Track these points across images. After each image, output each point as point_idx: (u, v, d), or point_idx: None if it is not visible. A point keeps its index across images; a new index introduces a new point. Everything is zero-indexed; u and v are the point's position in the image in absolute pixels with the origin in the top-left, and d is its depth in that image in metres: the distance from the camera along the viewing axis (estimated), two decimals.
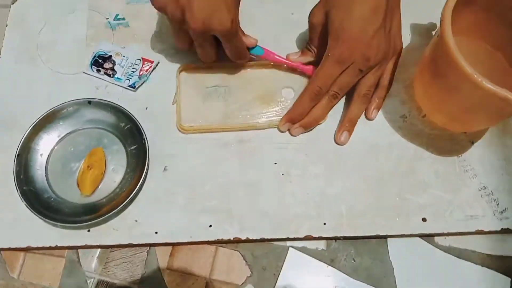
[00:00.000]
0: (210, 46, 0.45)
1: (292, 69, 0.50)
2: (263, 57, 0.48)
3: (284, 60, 0.48)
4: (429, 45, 0.44)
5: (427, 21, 0.53)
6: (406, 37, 0.53)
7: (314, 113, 0.46)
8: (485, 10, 0.44)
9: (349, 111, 0.48)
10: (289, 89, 0.49)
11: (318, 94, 0.45)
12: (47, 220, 0.42)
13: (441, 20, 0.38)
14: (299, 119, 0.47)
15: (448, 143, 0.48)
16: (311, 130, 0.48)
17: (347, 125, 0.47)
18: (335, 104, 0.48)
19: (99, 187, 0.45)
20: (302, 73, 0.50)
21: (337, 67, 0.44)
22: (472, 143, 0.48)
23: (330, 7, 0.43)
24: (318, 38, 0.47)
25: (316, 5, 0.46)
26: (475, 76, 0.36)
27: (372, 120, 0.49)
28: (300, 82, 0.49)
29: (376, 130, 0.48)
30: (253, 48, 0.47)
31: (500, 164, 0.47)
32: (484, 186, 0.47)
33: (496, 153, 0.48)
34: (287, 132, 0.48)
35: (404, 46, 0.51)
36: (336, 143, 0.48)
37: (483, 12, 0.44)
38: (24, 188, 0.43)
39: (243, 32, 0.47)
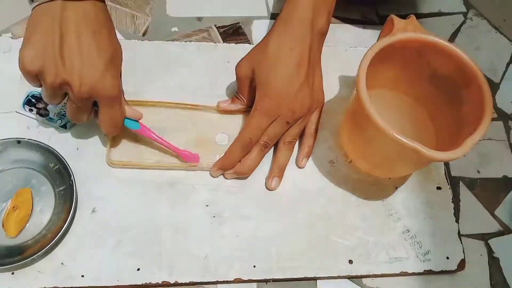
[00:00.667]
0: (87, 110, 0.47)
1: (227, 113, 0.56)
2: (138, 132, 0.51)
3: (160, 140, 0.51)
4: (351, 98, 0.53)
5: (354, 73, 0.62)
6: (335, 88, 0.61)
7: (246, 162, 0.52)
8: (403, 67, 0.53)
9: (277, 158, 0.54)
10: (224, 134, 0.56)
11: (248, 144, 0.51)
12: None
13: (357, 77, 0.47)
14: (230, 167, 0.52)
15: (373, 187, 0.55)
16: (245, 178, 0.54)
17: (276, 171, 0.54)
18: (266, 153, 0.54)
19: (25, 228, 0.48)
20: (234, 119, 0.56)
21: (265, 119, 0.51)
22: (396, 188, 0.56)
23: (256, 63, 0.51)
24: (247, 89, 0.54)
25: (242, 59, 0.53)
26: (387, 129, 0.43)
27: (303, 168, 0.56)
28: (234, 128, 0.55)
29: (305, 174, 0.55)
30: (129, 120, 0.50)
31: (422, 208, 0.55)
32: (407, 229, 0.54)
33: (418, 198, 0.56)
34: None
35: (332, 96, 0.60)
36: (268, 189, 0.54)
37: (401, 69, 0.53)
38: None
39: (127, 102, 0.50)
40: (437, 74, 0.52)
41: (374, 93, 0.49)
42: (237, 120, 0.57)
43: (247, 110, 0.55)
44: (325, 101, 0.59)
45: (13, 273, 0.46)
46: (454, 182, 0.59)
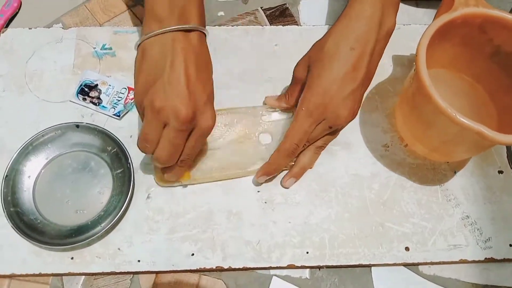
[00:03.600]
0: (181, 144, 0.45)
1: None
2: None
3: None
4: (407, 78, 0.51)
5: (409, 52, 0.60)
6: (388, 68, 0.59)
7: (303, 162, 0.52)
8: (462, 45, 0.51)
9: (301, 159, 0.52)
10: (267, 134, 0.55)
11: (294, 151, 0.49)
12: (32, 241, 0.47)
13: (416, 56, 0.45)
14: (274, 173, 0.51)
15: (430, 172, 0.54)
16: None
17: (296, 171, 0.52)
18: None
19: (84, 209, 0.50)
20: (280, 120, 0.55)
21: (310, 121, 0.48)
22: (455, 172, 0.54)
23: (312, 61, 0.49)
24: (298, 90, 0.52)
25: (302, 57, 0.51)
26: (449, 111, 0.42)
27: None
28: (278, 128, 0.55)
29: (358, 159, 0.54)
30: None
31: (482, 194, 0.53)
32: (467, 215, 0.52)
33: (478, 183, 0.54)
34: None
35: (385, 77, 0.58)
36: (282, 186, 0.53)
37: (460, 47, 0.51)
38: (11, 209, 0.49)
39: None
40: (500, 52, 0.49)
41: (431, 73, 0.47)
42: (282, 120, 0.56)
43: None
44: (378, 82, 0.58)
45: (72, 258, 0.49)
46: None
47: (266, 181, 0.53)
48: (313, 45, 0.50)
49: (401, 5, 0.64)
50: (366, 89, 0.50)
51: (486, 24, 0.47)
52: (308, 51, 0.51)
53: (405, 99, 0.52)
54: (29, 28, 0.60)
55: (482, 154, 0.55)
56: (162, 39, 0.45)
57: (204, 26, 0.48)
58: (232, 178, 0.53)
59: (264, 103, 0.56)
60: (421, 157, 0.54)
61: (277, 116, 0.55)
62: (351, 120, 0.49)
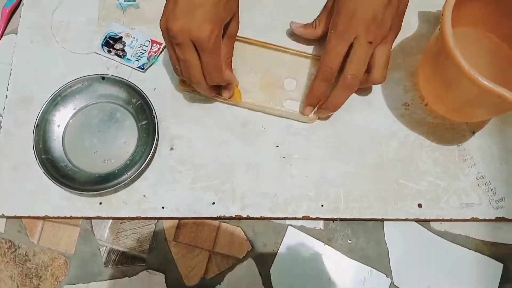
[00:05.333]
0: (191, 54, 0.47)
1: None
2: None
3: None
4: (433, 36, 0.51)
5: (436, 9, 0.59)
6: (413, 24, 0.59)
7: (332, 100, 0.51)
8: (492, 3, 0.50)
9: (330, 95, 0.51)
10: (293, 79, 0.56)
11: (330, 75, 0.50)
12: (63, 187, 0.51)
13: (442, 15, 0.45)
14: (317, 101, 0.53)
15: (449, 132, 0.55)
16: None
17: (323, 105, 0.53)
18: (356, 88, 0.50)
19: (112, 158, 0.53)
20: (306, 63, 0.56)
21: (340, 41, 0.48)
22: (473, 132, 0.55)
23: None
24: (326, 18, 0.54)
25: None
26: (471, 72, 0.42)
27: (306, 115, 0.54)
28: (304, 73, 0.56)
29: (377, 117, 0.55)
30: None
31: (499, 154, 0.54)
32: (482, 176, 0.54)
33: (496, 143, 0.55)
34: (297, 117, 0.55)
35: (411, 33, 0.58)
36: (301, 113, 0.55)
37: (490, 5, 0.50)
38: (42, 156, 0.52)
39: (231, 67, 0.54)
40: None
41: (458, 31, 0.47)
42: (309, 65, 0.57)
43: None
44: (402, 39, 0.58)
45: (101, 203, 0.53)
46: None
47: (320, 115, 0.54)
48: None
49: None
50: (399, 10, 0.49)
51: None
52: None
53: (429, 58, 0.52)
54: None
55: (501, 116, 0.55)
56: None
57: None
58: (267, 113, 0.55)
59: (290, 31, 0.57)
60: (441, 117, 0.55)
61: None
62: (387, 30, 0.48)
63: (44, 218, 0.53)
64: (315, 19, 0.55)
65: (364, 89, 0.56)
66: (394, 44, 0.55)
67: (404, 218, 0.52)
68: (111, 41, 0.57)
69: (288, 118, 0.55)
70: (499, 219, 0.52)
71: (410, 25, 0.58)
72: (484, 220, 0.53)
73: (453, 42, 0.43)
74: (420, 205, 0.53)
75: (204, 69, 0.48)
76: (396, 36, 0.51)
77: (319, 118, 0.55)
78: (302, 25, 0.56)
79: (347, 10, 0.47)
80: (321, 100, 0.53)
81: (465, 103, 0.49)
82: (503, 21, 0.52)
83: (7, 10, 0.60)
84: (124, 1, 0.59)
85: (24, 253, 0.53)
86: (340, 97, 0.51)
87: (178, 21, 0.45)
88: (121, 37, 0.57)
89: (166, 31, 0.46)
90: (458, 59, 0.43)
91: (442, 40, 0.44)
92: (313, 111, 0.54)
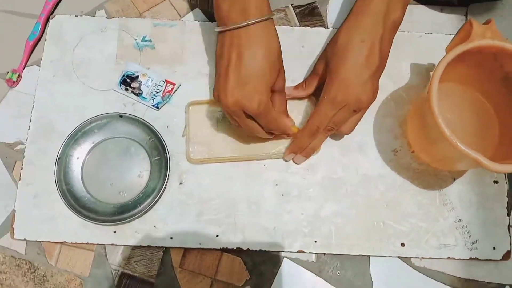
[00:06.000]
0: (245, 120, 0.54)
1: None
2: None
3: None
4: (420, 94, 0.56)
5: (427, 61, 0.65)
6: (405, 75, 0.64)
7: (312, 144, 0.59)
8: (476, 67, 0.55)
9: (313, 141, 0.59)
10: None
11: (316, 132, 0.57)
12: (81, 216, 0.56)
13: (429, 85, 0.50)
14: (299, 151, 0.59)
15: (432, 178, 0.61)
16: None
17: (303, 151, 0.60)
18: (329, 135, 0.60)
19: (126, 191, 0.59)
20: (299, 106, 0.62)
21: (332, 107, 0.55)
22: (454, 179, 0.61)
23: (329, 56, 0.56)
24: (316, 82, 0.60)
25: (320, 54, 0.59)
26: (452, 138, 0.48)
27: (287, 161, 0.61)
28: (298, 116, 0.62)
29: (369, 161, 0.61)
30: None
31: (476, 200, 0.60)
32: (459, 219, 0.60)
33: (474, 190, 0.61)
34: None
35: (403, 84, 0.64)
36: (284, 160, 0.61)
37: (474, 68, 0.56)
38: (63, 187, 0.58)
39: (287, 113, 0.59)
40: (509, 77, 0.54)
41: (448, 86, 0.52)
42: (302, 107, 0.62)
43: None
44: (395, 89, 0.63)
45: (115, 232, 0.58)
46: None
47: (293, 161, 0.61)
48: (328, 42, 0.58)
49: (425, 9, 0.68)
50: (382, 72, 0.56)
51: (499, 54, 0.52)
52: (324, 48, 0.59)
53: (417, 112, 0.58)
54: (75, 16, 0.65)
55: None
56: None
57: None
58: (255, 159, 0.61)
59: None
60: (425, 164, 0.61)
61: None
62: (372, 101, 0.56)
63: (62, 243, 0.58)
64: (304, 80, 0.62)
65: (335, 135, 0.62)
66: (386, 94, 0.62)
67: (388, 255, 0.59)
68: (128, 80, 0.62)
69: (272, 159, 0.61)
70: (472, 259, 0.59)
71: (402, 76, 0.64)
72: (460, 259, 0.59)
73: (439, 113, 0.49)
74: (403, 244, 0.59)
75: (263, 127, 0.55)
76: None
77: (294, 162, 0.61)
78: (293, 87, 0.62)
79: (340, 80, 0.54)
80: (302, 150, 0.60)
81: (447, 157, 0.56)
82: (485, 82, 0.57)
83: (31, 43, 0.65)
84: (141, 41, 0.64)
85: (43, 274, 0.58)
86: (318, 144, 0.60)
87: (229, 96, 0.50)
88: (137, 76, 0.62)
89: (220, 103, 0.52)
90: (441, 127, 0.48)
91: (429, 108, 0.50)
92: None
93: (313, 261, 0.59)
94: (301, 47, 0.65)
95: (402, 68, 0.64)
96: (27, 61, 0.65)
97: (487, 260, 0.59)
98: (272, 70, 0.52)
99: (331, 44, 0.57)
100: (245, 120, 0.53)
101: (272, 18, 0.52)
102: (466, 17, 0.68)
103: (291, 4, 0.68)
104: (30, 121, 0.61)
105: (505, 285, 0.59)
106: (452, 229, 0.59)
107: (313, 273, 0.59)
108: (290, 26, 0.66)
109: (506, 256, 0.59)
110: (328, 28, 0.67)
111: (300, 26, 0.67)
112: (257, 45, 0.51)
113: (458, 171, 0.61)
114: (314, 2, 0.68)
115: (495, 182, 0.61)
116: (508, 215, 0.60)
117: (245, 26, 0.50)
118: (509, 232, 0.59)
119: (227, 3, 0.51)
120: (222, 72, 0.52)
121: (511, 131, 0.56)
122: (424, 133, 0.57)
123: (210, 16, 0.67)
